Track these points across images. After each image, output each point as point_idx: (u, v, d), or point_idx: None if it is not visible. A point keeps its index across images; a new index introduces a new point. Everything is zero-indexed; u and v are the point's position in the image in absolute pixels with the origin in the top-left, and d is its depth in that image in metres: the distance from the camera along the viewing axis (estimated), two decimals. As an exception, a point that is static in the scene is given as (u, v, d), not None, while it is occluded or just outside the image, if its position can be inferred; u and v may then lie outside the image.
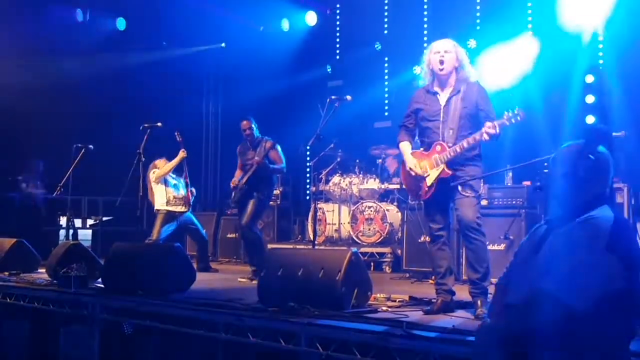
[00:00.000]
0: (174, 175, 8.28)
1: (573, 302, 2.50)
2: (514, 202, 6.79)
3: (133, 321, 5.14)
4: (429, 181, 4.58)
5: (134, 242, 6.62)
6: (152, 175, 8.10)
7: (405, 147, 4.77)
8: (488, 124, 4.34)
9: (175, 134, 8.10)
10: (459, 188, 4.47)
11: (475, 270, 4.47)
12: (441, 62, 4.58)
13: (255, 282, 6.47)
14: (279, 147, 7.14)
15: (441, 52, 4.60)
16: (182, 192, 8.17)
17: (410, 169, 4.67)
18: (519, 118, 4.28)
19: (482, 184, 4.48)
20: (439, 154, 4.54)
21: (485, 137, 4.34)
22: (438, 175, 4.54)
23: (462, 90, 4.57)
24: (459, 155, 4.48)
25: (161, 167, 8.13)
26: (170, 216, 8.05)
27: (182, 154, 8.04)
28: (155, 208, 8.08)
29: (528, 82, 8.19)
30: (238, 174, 7.29)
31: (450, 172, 4.50)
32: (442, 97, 4.63)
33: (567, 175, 2.84)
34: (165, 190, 8.10)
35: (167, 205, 8.06)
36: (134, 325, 5.20)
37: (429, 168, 4.59)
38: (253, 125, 7.20)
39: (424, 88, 4.76)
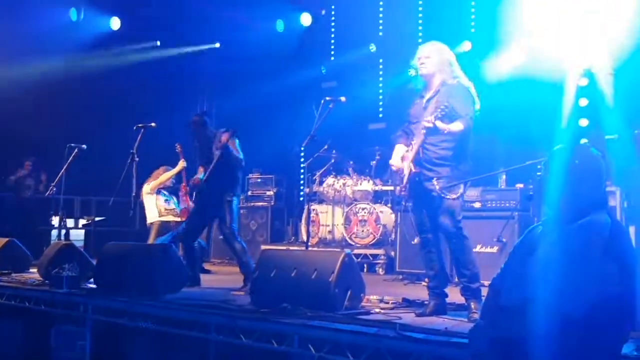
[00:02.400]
0: (166, 192, 8.23)
1: (568, 309, 2.50)
2: (507, 205, 6.80)
3: (125, 322, 5.12)
4: (404, 180, 4.64)
5: (126, 242, 6.59)
6: (147, 186, 8.01)
7: (397, 148, 4.80)
8: (429, 117, 4.37)
9: (176, 145, 8.07)
10: (435, 191, 4.48)
11: (462, 273, 4.52)
12: (420, 68, 4.64)
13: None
14: (236, 140, 6.21)
15: (422, 58, 4.65)
16: (173, 205, 8.13)
17: (391, 164, 4.76)
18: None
19: (461, 186, 4.49)
20: (409, 153, 4.60)
21: (427, 125, 4.36)
22: (409, 173, 4.57)
23: (440, 92, 4.60)
24: (427, 153, 4.50)
25: (157, 177, 8.07)
26: (164, 227, 7.96)
27: (181, 164, 8.01)
28: (148, 222, 8.00)
29: (522, 84, 8.19)
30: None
31: (416, 170, 4.52)
32: (425, 100, 4.68)
33: (558, 178, 2.85)
34: (156, 202, 8.05)
35: (159, 216, 8.01)
36: (126, 326, 5.17)
37: (406, 168, 4.64)
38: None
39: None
